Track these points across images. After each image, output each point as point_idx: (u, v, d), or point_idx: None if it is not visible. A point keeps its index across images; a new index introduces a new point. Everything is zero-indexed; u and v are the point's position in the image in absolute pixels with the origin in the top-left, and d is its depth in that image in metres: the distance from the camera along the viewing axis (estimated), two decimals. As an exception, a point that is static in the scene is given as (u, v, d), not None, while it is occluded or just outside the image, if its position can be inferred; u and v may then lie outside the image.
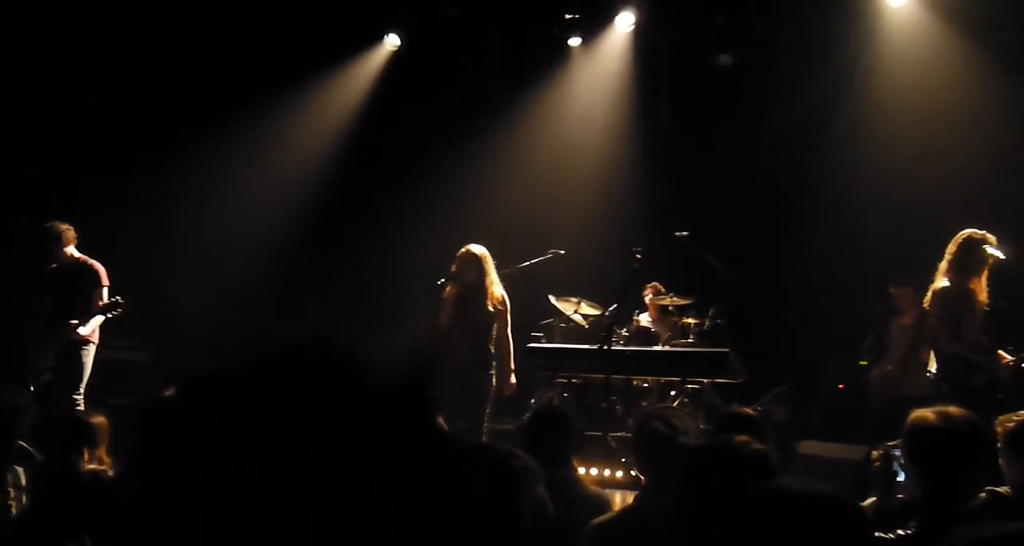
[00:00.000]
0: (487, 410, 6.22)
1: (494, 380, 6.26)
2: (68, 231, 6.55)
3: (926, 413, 2.56)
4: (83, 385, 6.42)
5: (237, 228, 8.96)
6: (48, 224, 6.57)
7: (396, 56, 9.38)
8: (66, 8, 8.29)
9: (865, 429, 6.72)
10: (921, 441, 2.52)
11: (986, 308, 5.60)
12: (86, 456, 3.83)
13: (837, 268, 8.14)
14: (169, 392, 3.34)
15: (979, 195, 7.40)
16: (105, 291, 6.52)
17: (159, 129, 8.70)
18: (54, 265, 6.57)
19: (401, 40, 9.27)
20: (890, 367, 7.27)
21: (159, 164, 8.73)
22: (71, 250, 6.57)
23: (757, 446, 2.40)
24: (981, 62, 7.76)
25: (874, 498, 3.35)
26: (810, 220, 8.45)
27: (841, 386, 7.90)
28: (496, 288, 6.30)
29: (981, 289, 5.60)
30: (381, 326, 9.16)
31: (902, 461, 2.82)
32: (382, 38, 9.28)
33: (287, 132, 9.30)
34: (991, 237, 5.62)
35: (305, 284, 9.27)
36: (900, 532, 2.49)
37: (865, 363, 7.66)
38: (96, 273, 6.52)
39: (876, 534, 2.53)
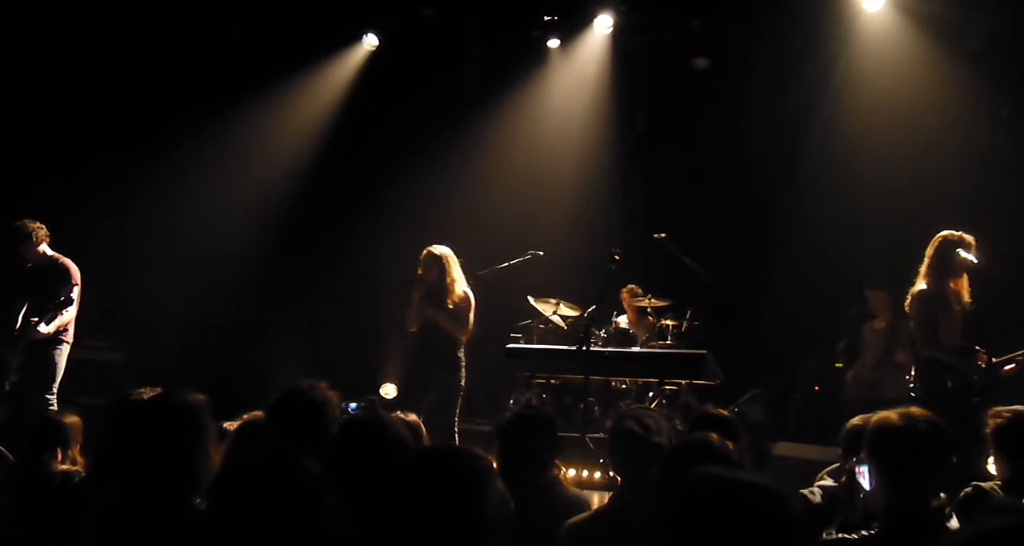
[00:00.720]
0: (457, 410, 6.23)
1: (463, 380, 6.27)
2: (40, 229, 6.48)
3: (889, 414, 2.60)
4: (56, 385, 6.35)
5: (212, 229, 8.91)
6: (19, 223, 6.49)
7: (374, 57, 9.35)
8: (35, 2, 8.22)
9: (839, 431, 6.76)
10: (883, 441, 2.55)
11: (966, 310, 5.61)
12: (59, 456, 3.79)
13: (812, 271, 8.21)
14: (141, 393, 3.33)
15: (953, 198, 7.48)
16: (76, 289, 6.44)
17: (134, 128, 8.63)
18: (29, 264, 6.50)
19: (379, 40, 9.25)
20: (863, 370, 7.34)
21: (133, 163, 8.66)
22: (44, 248, 6.50)
23: (728, 444, 2.43)
24: (953, 67, 7.85)
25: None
26: (786, 223, 8.51)
27: (816, 388, 7.96)
28: (458, 286, 6.29)
29: (961, 290, 5.61)
30: (356, 328, 9.17)
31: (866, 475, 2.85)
32: (360, 38, 9.26)
33: (263, 132, 9.24)
34: (968, 238, 5.60)
35: (280, 285, 9.22)
36: (864, 532, 2.52)
37: (840, 365, 7.73)
38: (67, 271, 6.44)
39: (840, 535, 2.57)
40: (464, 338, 6.28)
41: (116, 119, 8.56)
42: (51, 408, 6.11)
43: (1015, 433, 3.35)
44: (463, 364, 6.28)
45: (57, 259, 6.50)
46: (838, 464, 3.68)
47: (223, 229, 8.91)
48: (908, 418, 2.54)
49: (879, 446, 2.57)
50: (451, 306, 6.23)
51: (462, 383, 6.27)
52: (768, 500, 1.45)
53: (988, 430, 3.42)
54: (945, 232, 5.65)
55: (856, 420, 3.66)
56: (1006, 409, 3.47)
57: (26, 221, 6.49)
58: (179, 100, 8.82)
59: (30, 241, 6.41)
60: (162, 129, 8.65)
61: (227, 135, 9.00)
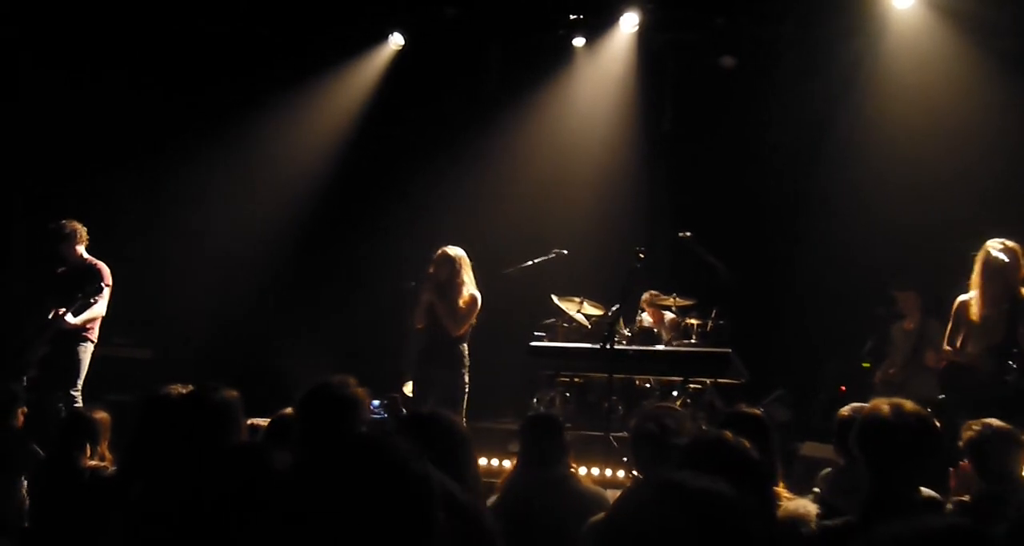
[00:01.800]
0: (463, 408, 6.27)
1: (467, 377, 6.35)
2: (82, 230, 6.51)
3: (880, 405, 2.65)
4: (80, 382, 6.40)
5: (238, 227, 8.98)
6: (61, 222, 6.51)
7: (400, 56, 9.38)
8: (61, 4, 8.30)
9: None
10: (872, 433, 2.60)
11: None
12: (88, 452, 3.83)
13: (838, 270, 8.14)
14: (171, 389, 3.36)
15: (982, 198, 7.41)
16: (107, 289, 6.49)
17: (161, 127, 8.72)
18: (63, 269, 6.52)
19: (404, 40, 9.27)
20: (892, 371, 7.27)
21: (160, 162, 8.76)
22: (81, 250, 6.54)
23: (744, 442, 2.41)
24: (984, 66, 7.76)
25: None
26: (812, 222, 8.45)
27: (843, 388, 7.89)
28: (467, 288, 6.39)
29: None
30: (380, 327, 9.20)
31: None
32: (386, 38, 9.28)
33: (289, 132, 9.30)
34: (993, 244, 5.65)
35: (306, 283, 9.28)
36: (846, 518, 2.54)
37: (867, 365, 7.66)
38: (100, 273, 6.48)
39: (823, 523, 2.59)
40: (460, 335, 6.37)
41: (143, 118, 8.64)
42: (76, 405, 6.17)
43: (986, 446, 3.36)
44: (467, 362, 6.37)
45: (93, 263, 6.55)
46: (829, 470, 3.68)
47: (249, 228, 8.98)
48: (898, 411, 2.58)
49: (868, 438, 2.62)
50: (457, 306, 6.34)
51: (466, 380, 6.35)
52: (722, 511, 1.43)
53: (961, 443, 3.42)
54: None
55: (845, 410, 3.66)
56: (976, 422, 3.47)
57: (69, 221, 6.52)
58: (205, 100, 8.89)
59: (71, 241, 6.44)
60: (189, 129, 8.72)
61: (253, 135, 9.06)
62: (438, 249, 6.52)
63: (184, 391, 3.20)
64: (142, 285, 8.33)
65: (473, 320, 6.46)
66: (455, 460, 2.41)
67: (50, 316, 6.29)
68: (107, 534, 2.98)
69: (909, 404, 2.63)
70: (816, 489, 3.57)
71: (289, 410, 3.21)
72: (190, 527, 1.84)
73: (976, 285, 5.68)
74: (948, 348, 5.81)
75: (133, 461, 3.29)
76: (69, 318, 6.26)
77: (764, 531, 1.47)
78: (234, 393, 2.94)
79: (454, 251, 6.45)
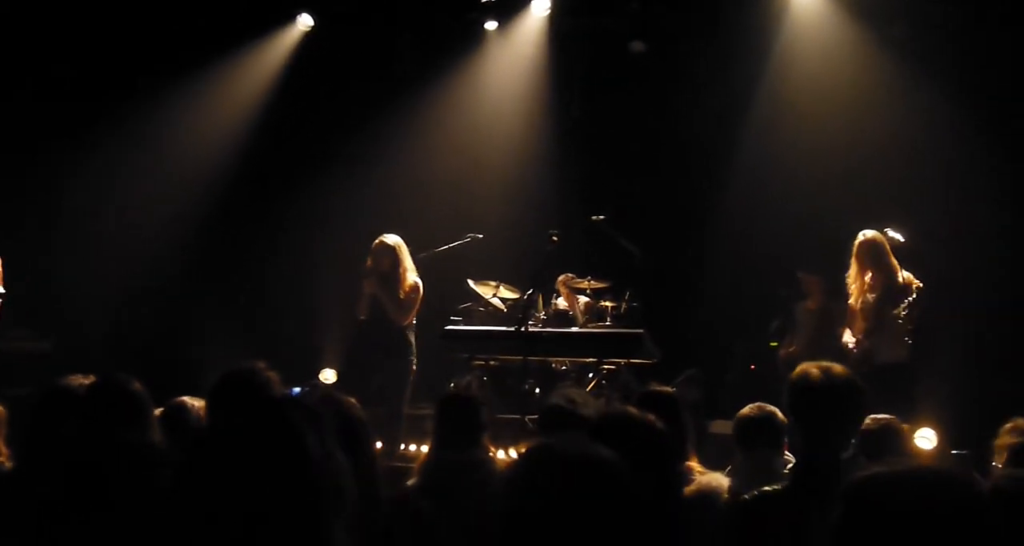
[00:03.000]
0: (406, 396, 6.27)
1: (413, 365, 6.35)
2: None
3: (810, 368, 2.71)
4: None
5: (142, 213, 8.70)
6: None
7: (308, 38, 9.19)
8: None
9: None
10: (803, 394, 2.67)
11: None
12: (-18, 449, 3.66)
13: (747, 252, 8.35)
14: (71, 381, 3.23)
15: (883, 183, 7.70)
16: None
17: (60, 113, 8.36)
18: None
19: (313, 21, 9.08)
20: (792, 348, 7.51)
21: (60, 148, 8.40)
22: None
23: (651, 418, 2.46)
24: (881, 53, 8.05)
25: None
26: (721, 206, 8.65)
27: (752, 367, 8.13)
28: (410, 275, 6.44)
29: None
30: (293, 314, 9.05)
31: None
32: (293, 18, 9.08)
33: (195, 115, 9.01)
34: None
35: (214, 271, 9.02)
36: (777, 486, 2.62)
37: (775, 345, 7.90)
38: None
39: (755, 492, 2.65)
40: (408, 323, 6.37)
41: (41, 104, 8.28)
42: None
43: (873, 439, 3.54)
44: (414, 350, 6.39)
45: None
46: (731, 466, 3.78)
47: (153, 214, 8.71)
48: (828, 374, 2.66)
49: (799, 398, 2.69)
50: (401, 295, 6.33)
51: (413, 368, 6.38)
52: (595, 473, 1.47)
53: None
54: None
55: (746, 410, 3.78)
56: (871, 417, 3.64)
57: None
58: (106, 83, 8.56)
59: None
60: (90, 114, 8.38)
61: (158, 118, 8.76)
62: (356, 233, 6.50)
63: (86, 382, 3.09)
64: (41, 275, 8.00)
65: (418, 307, 6.47)
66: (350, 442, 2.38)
67: None
68: (7, 531, 2.86)
69: (837, 367, 2.71)
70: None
71: (184, 398, 3.15)
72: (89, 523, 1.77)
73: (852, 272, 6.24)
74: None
75: (32, 456, 3.16)
76: None
77: (645, 495, 1.51)
78: (138, 384, 2.85)
79: (392, 240, 6.50)
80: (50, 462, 2.79)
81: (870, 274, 6.28)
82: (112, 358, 7.37)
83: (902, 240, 5.87)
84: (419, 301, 6.46)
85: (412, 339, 6.41)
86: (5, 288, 6.26)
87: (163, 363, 7.24)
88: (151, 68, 8.65)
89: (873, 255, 6.23)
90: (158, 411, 3.37)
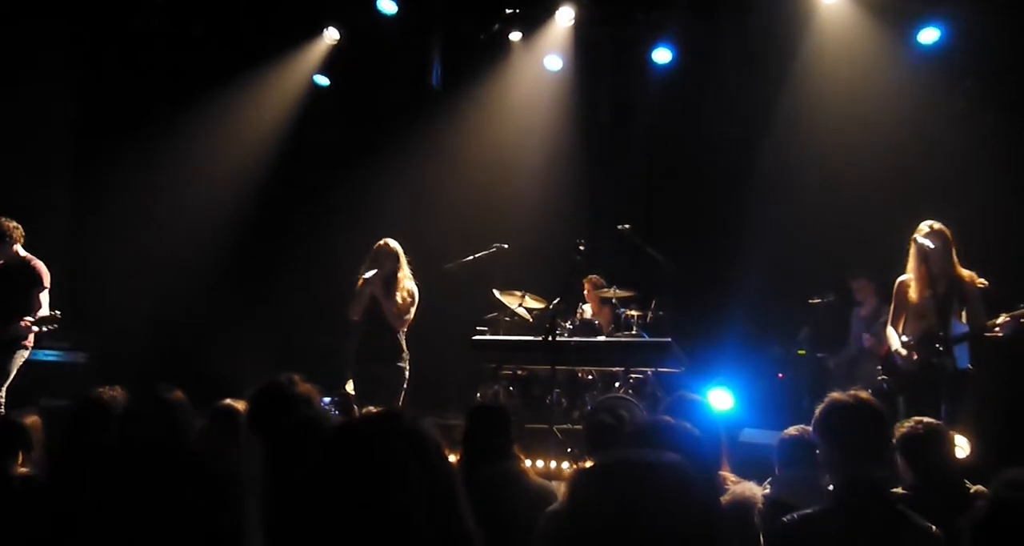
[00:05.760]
0: (399, 401, 6.26)
1: (406, 372, 6.35)
2: (16, 230, 6.38)
3: (839, 395, 2.80)
4: (6, 386, 6.26)
5: (175, 226, 8.81)
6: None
7: (335, 51, 9.27)
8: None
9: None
10: (836, 417, 2.74)
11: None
12: (20, 459, 3.71)
13: (776, 260, 8.29)
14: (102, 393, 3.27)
15: (913, 187, 7.61)
16: (45, 293, 6.39)
17: (98, 126, 8.50)
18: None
19: (340, 34, 9.16)
20: (849, 356, 7.45)
21: (96, 161, 8.53)
22: (18, 248, 6.40)
23: (689, 426, 2.45)
24: (909, 57, 7.99)
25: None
26: (749, 213, 8.59)
27: (781, 375, 8.06)
28: (409, 281, 6.42)
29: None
30: (322, 324, 9.10)
31: None
32: (321, 32, 9.17)
33: (225, 128, 9.12)
34: (921, 228, 5.77)
35: (245, 282, 9.13)
36: (820, 507, 2.61)
37: (803, 353, 7.83)
38: (39, 274, 6.38)
39: (797, 514, 2.66)
40: (404, 329, 6.38)
41: (80, 117, 8.42)
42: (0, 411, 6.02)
43: (918, 443, 3.49)
44: (407, 354, 6.39)
45: (30, 260, 6.42)
46: (769, 480, 3.76)
47: (186, 226, 8.82)
48: (857, 399, 2.75)
49: (832, 422, 2.74)
50: (400, 300, 6.33)
51: (407, 372, 6.37)
52: (671, 480, 1.46)
53: (894, 439, 3.54)
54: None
55: (792, 431, 3.77)
56: (908, 420, 3.60)
57: (12, 225, 6.35)
58: (139, 98, 8.68)
59: (5, 241, 6.29)
60: (125, 127, 8.51)
61: (189, 133, 8.89)
62: (376, 242, 6.49)
63: (116, 394, 3.13)
64: (77, 288, 8.11)
65: (413, 311, 6.47)
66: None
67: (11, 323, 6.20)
68: (40, 543, 2.90)
69: (864, 393, 2.78)
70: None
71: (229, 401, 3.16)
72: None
73: (911, 269, 5.75)
74: (891, 329, 5.87)
75: (66, 468, 3.20)
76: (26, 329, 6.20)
77: (713, 501, 1.50)
78: (179, 394, 2.89)
79: (395, 244, 6.45)
80: (83, 471, 2.83)
81: (925, 269, 5.65)
82: (145, 369, 7.45)
83: (932, 246, 5.72)
84: (415, 306, 6.48)
85: (405, 344, 6.43)
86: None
87: (196, 374, 7.30)
88: (182, 83, 8.77)
89: (937, 247, 5.59)
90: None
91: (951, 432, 3.83)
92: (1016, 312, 5.41)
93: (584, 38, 9.10)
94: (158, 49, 8.69)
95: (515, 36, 9.23)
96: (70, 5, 8.26)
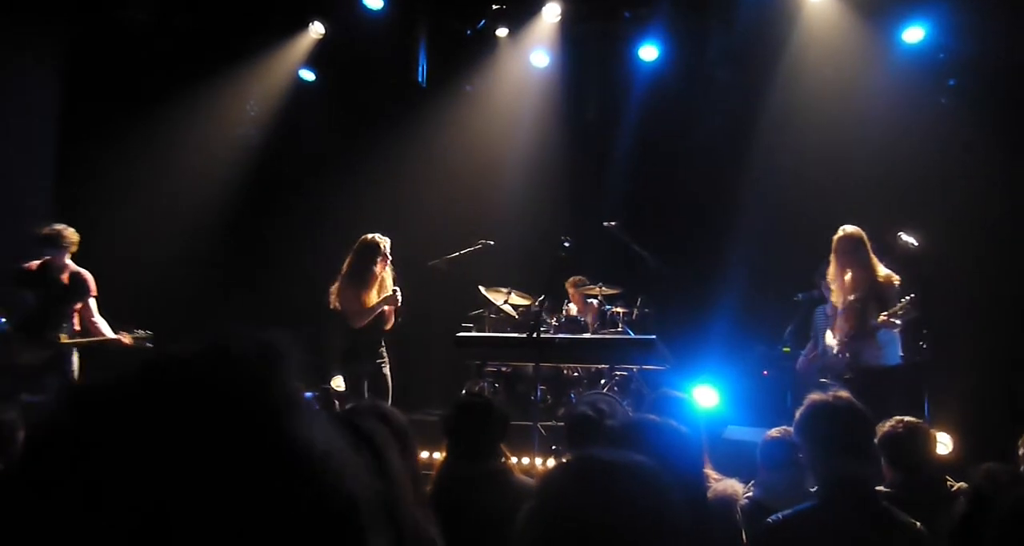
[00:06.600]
0: (389, 399, 6.24)
1: (386, 370, 6.34)
2: (73, 238, 6.34)
3: (820, 396, 2.81)
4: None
5: (157, 222, 8.72)
6: (57, 228, 6.29)
7: (322, 44, 9.22)
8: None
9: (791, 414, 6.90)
10: (817, 417, 2.74)
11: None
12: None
13: (760, 257, 8.31)
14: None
15: (897, 185, 7.65)
16: (94, 301, 6.44)
17: (78, 118, 8.41)
18: (42, 269, 6.32)
19: (325, 29, 9.12)
20: (813, 354, 7.45)
21: (79, 156, 8.44)
22: (67, 259, 6.38)
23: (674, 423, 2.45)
24: (894, 55, 8.02)
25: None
26: (734, 210, 8.61)
27: (765, 372, 8.08)
28: (389, 279, 6.40)
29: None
30: (302, 321, 9.05)
31: None
32: (307, 26, 9.12)
33: (210, 122, 9.07)
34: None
35: (227, 280, 9.07)
36: (808, 505, 2.61)
37: (787, 350, 7.84)
38: (87, 284, 6.42)
39: (781, 515, 2.68)
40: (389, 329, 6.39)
41: (62, 110, 8.33)
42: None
43: (898, 442, 3.51)
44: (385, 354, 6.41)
45: (78, 271, 6.42)
46: (754, 481, 3.78)
47: (169, 221, 8.74)
48: (836, 397, 2.76)
49: (812, 423, 2.74)
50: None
51: (388, 372, 6.38)
52: (639, 483, 1.46)
53: (876, 439, 3.57)
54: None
55: (774, 432, 3.79)
56: (890, 420, 3.62)
57: (65, 229, 6.31)
58: (123, 91, 8.59)
59: (60, 248, 6.24)
60: (108, 121, 8.42)
61: (173, 126, 8.80)
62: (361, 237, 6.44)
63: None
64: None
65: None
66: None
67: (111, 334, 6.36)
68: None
69: (843, 393, 2.78)
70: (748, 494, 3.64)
71: None
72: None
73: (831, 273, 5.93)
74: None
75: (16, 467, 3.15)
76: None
77: (685, 502, 1.49)
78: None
79: (381, 238, 6.41)
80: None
81: (850, 273, 5.91)
82: (129, 364, 7.38)
83: (916, 244, 5.76)
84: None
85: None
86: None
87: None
88: (167, 74, 8.68)
89: (852, 251, 5.84)
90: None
91: (932, 431, 3.86)
92: (891, 311, 5.50)
93: (571, 34, 9.10)
94: (142, 41, 8.61)
95: (501, 32, 9.21)
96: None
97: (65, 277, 6.38)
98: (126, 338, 6.42)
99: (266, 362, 0.79)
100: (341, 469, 0.72)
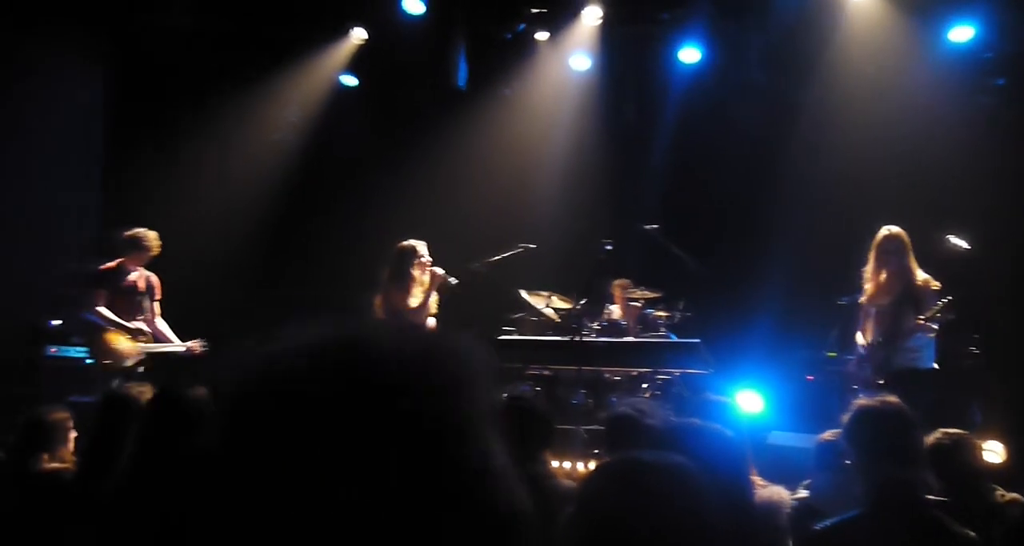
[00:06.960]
0: None
1: None
2: (155, 242, 6.49)
3: (866, 401, 2.82)
4: None
5: (202, 228, 8.83)
6: (145, 233, 6.47)
7: (363, 49, 9.29)
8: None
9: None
10: (864, 421, 2.74)
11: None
12: (46, 456, 3.73)
13: (804, 261, 8.20)
14: (129, 389, 3.28)
15: (941, 187, 7.50)
16: (157, 305, 6.65)
17: (123, 126, 8.56)
18: (117, 270, 6.47)
19: (367, 34, 9.19)
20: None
21: (124, 162, 8.59)
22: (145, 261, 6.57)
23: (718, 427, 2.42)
24: (937, 54, 7.88)
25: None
26: (777, 213, 8.51)
27: (810, 378, 7.97)
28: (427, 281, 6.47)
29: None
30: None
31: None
32: (347, 31, 9.19)
33: (249, 128, 9.18)
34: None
35: (270, 283, 9.15)
36: (853, 514, 2.56)
37: (832, 355, 7.72)
38: (155, 288, 6.64)
39: (829, 522, 2.63)
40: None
41: (107, 117, 8.48)
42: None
43: (944, 455, 3.43)
44: None
45: (149, 276, 6.62)
46: (808, 482, 3.72)
47: (213, 227, 8.84)
48: (884, 402, 2.75)
49: (860, 428, 2.73)
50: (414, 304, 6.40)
51: None
52: (678, 484, 1.44)
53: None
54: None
55: (827, 435, 3.72)
56: (939, 431, 3.53)
57: (148, 233, 6.48)
58: (166, 98, 8.73)
59: (143, 252, 6.40)
60: (152, 127, 8.57)
61: (215, 133, 8.93)
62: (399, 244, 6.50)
63: (143, 390, 3.14)
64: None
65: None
66: None
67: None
68: (68, 538, 2.91)
69: (891, 398, 2.77)
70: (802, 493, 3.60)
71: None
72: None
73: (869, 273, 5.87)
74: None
75: (93, 463, 3.21)
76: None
77: (728, 506, 1.47)
78: (202, 391, 2.89)
79: (416, 243, 6.49)
80: (110, 468, 2.84)
81: (885, 274, 5.88)
82: (174, 369, 7.49)
83: (966, 247, 5.63)
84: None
85: None
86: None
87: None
88: (210, 80, 8.80)
89: (892, 251, 5.81)
90: None
91: (978, 442, 3.76)
92: (927, 314, 5.43)
93: (610, 37, 9.07)
94: (184, 48, 8.73)
95: (541, 35, 9.21)
96: (95, 3, 8.31)
97: (140, 280, 6.47)
98: (196, 348, 6.56)
99: (470, 371, 0.85)
100: (511, 482, 0.78)
